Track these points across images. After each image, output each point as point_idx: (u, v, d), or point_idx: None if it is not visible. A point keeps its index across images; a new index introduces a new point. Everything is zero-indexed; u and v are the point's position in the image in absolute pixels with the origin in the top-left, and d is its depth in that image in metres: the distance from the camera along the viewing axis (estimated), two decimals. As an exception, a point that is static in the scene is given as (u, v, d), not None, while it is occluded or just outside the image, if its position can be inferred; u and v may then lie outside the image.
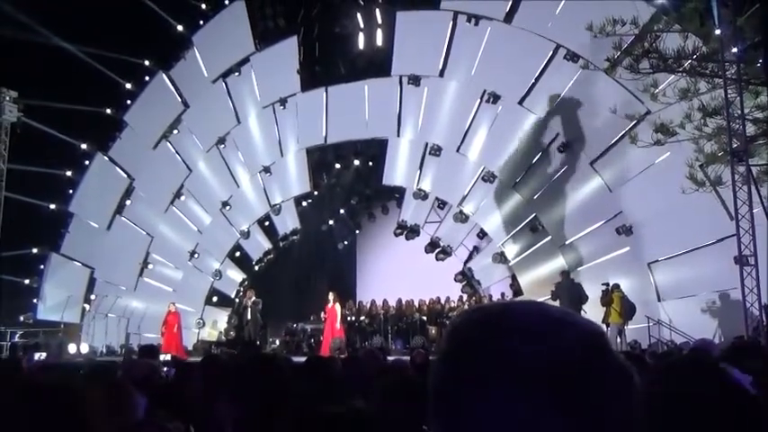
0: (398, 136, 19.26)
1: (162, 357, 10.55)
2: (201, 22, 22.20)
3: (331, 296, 17.49)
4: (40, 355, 15.14)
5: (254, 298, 18.74)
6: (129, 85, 22.98)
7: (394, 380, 3.03)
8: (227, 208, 21.62)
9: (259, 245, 21.78)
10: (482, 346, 0.77)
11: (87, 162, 23.42)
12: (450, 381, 0.79)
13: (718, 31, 11.85)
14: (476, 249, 20.04)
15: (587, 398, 0.75)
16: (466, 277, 19.65)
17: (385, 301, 19.75)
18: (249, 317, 18.49)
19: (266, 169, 21.05)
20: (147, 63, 22.76)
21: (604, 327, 13.63)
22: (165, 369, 7.87)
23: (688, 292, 14.76)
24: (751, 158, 11.86)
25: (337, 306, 17.25)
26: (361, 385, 3.62)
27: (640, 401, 0.79)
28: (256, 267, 21.96)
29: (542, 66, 16.90)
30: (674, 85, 12.51)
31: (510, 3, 17.25)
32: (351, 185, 22.16)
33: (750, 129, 11.98)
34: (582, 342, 0.79)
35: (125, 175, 23.15)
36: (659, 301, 15.13)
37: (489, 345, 0.77)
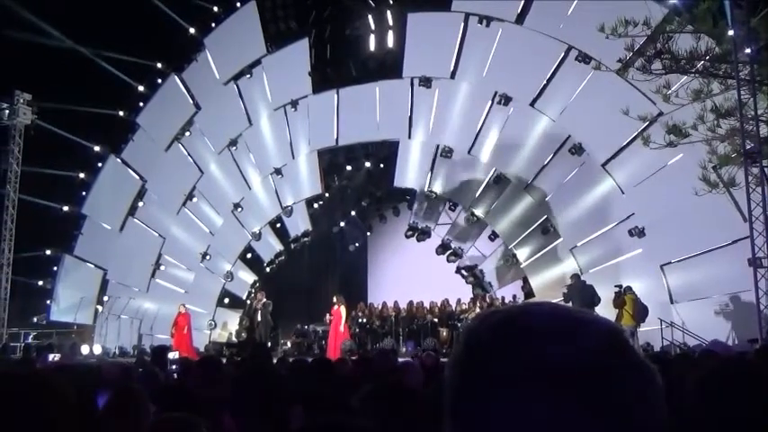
0: (410, 138, 19.26)
1: (171, 356, 10.58)
2: (213, 25, 22.28)
3: (336, 299, 17.49)
4: (53, 357, 15.21)
5: (264, 300, 18.78)
6: (141, 88, 23.11)
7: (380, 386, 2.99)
8: (239, 210, 21.68)
9: (270, 246, 21.82)
10: (505, 348, 0.77)
11: (100, 164, 23.57)
12: (473, 383, 0.78)
13: (731, 32, 11.78)
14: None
15: (614, 397, 0.75)
16: (477, 279, 19.61)
17: (396, 303, 19.72)
18: (260, 318, 18.53)
19: (278, 171, 21.10)
20: (159, 65, 22.88)
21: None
22: (174, 367, 7.92)
23: (701, 295, 14.67)
24: (765, 160, 11.78)
25: (342, 309, 17.24)
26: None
27: (663, 401, 0.79)
28: (268, 269, 22.00)
29: (554, 67, 16.87)
30: (687, 87, 12.45)
31: (521, 4, 17.23)
32: (362, 187, 22.15)
33: (764, 130, 11.89)
34: (605, 341, 0.79)
35: (137, 177, 23.27)
36: (672, 303, 15.04)
37: (512, 346, 0.77)
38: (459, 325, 18.09)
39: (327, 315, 17.99)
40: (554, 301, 15.81)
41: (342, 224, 23.74)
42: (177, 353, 13.94)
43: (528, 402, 0.74)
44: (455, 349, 0.83)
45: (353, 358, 9.45)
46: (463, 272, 19.97)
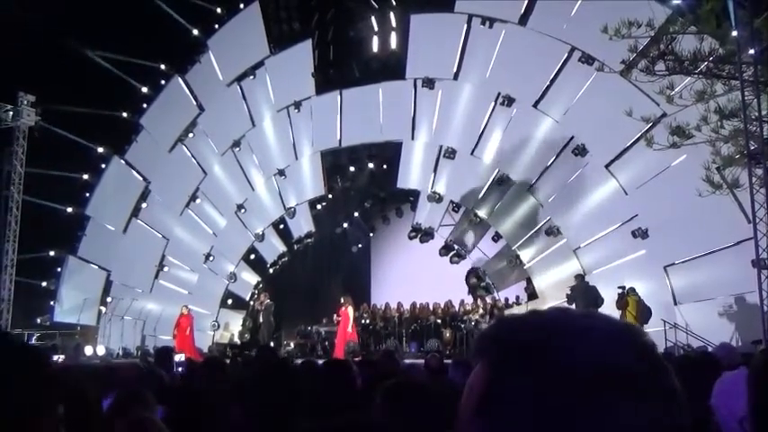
0: (413, 139, 19.26)
1: (177, 358, 10.61)
2: (217, 26, 22.30)
3: (343, 299, 17.51)
4: (57, 358, 15.25)
5: (267, 301, 18.78)
6: (145, 89, 23.13)
7: (399, 384, 3.00)
8: (242, 211, 21.69)
9: (274, 248, 21.82)
10: (546, 350, 0.78)
11: (104, 165, 23.60)
12: (510, 385, 0.79)
13: (734, 33, 11.76)
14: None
15: (653, 395, 0.77)
16: (480, 280, 19.61)
17: (399, 304, 19.74)
18: (261, 320, 18.53)
19: (281, 172, 21.11)
20: (162, 67, 22.89)
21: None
22: (180, 369, 7.94)
23: (705, 296, 14.66)
24: (768, 161, 11.77)
25: (350, 309, 17.26)
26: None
27: (685, 404, 0.81)
28: (271, 270, 22.00)
29: (557, 68, 16.86)
30: (691, 88, 12.41)
31: (524, 5, 17.22)
32: (365, 188, 22.16)
33: (767, 131, 11.87)
34: (639, 344, 0.81)
35: (141, 179, 23.30)
36: (676, 304, 15.02)
37: (552, 347, 0.78)
38: (462, 326, 18.10)
39: (335, 316, 18.04)
40: (557, 302, 15.87)
41: (345, 225, 23.74)
42: (183, 354, 13.98)
43: (573, 401, 0.75)
44: (486, 354, 0.84)
45: (357, 359, 9.46)
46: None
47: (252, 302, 21.25)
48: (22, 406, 1.24)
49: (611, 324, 0.83)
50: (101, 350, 19.77)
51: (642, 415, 0.76)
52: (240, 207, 21.70)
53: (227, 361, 10.36)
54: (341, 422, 1.68)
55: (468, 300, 19.28)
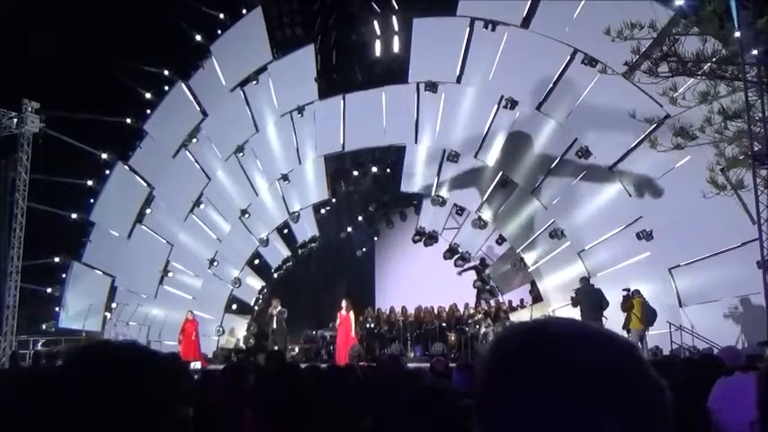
0: (416, 142, 19.25)
1: (192, 365, 10.61)
2: (219, 32, 22.35)
3: (344, 304, 17.48)
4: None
5: (279, 307, 18.72)
6: (148, 95, 23.16)
7: (413, 389, 3.00)
8: (246, 216, 21.70)
9: (278, 252, 21.83)
10: (535, 353, 0.83)
11: (108, 171, 23.62)
12: (507, 385, 0.83)
13: (737, 34, 11.74)
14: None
15: (634, 399, 0.81)
16: (484, 283, 19.59)
17: (404, 308, 19.72)
18: (275, 326, 18.48)
19: (284, 177, 21.11)
20: (166, 73, 22.94)
21: (625, 333, 13.56)
22: (196, 377, 7.94)
23: (710, 298, 14.62)
24: (773, 161, 11.73)
25: (351, 314, 17.22)
26: (385, 391, 3.62)
27: (671, 411, 0.84)
28: (275, 275, 22.00)
29: (560, 70, 16.86)
30: (694, 89, 12.41)
31: (527, 7, 17.23)
32: (369, 192, 22.16)
33: (771, 132, 11.84)
34: (626, 350, 0.86)
35: (145, 184, 23.32)
36: (681, 306, 14.99)
37: (541, 351, 0.83)
38: (467, 330, 18.07)
39: (338, 320, 18.03)
40: (562, 305, 15.83)
41: (349, 229, 23.75)
42: (199, 363, 13.96)
43: (556, 401, 0.79)
44: (487, 356, 0.88)
45: (362, 364, 9.45)
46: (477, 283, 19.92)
47: (257, 307, 21.25)
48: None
49: (604, 335, 0.87)
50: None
51: (625, 420, 0.79)
52: (244, 212, 21.71)
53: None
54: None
55: (473, 303, 19.25)
